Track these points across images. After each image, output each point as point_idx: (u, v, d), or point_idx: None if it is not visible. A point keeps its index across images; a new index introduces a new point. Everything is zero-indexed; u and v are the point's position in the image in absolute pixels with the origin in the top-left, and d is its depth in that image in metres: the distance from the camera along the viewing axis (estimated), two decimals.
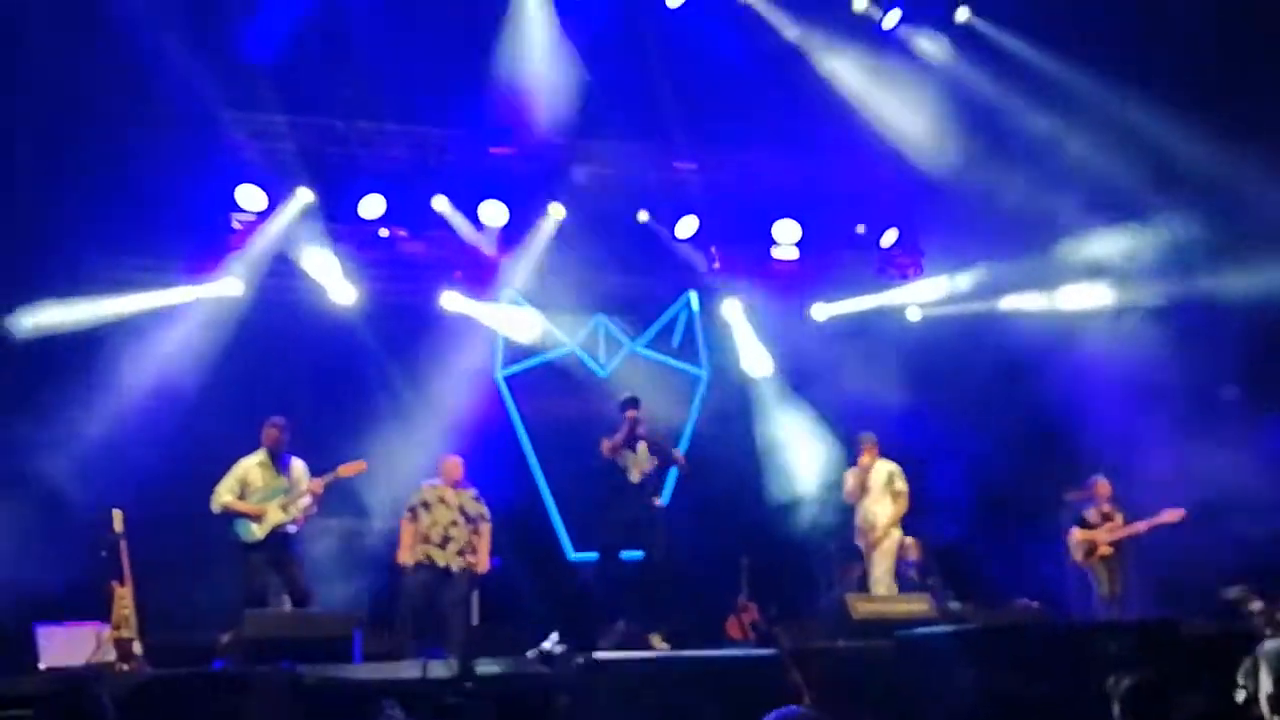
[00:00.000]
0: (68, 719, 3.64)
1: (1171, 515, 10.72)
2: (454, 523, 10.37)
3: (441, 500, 10.44)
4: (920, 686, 7.93)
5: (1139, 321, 11.79)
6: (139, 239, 11.44)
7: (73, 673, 8.25)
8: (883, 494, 11.13)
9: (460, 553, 10.30)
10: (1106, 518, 11.15)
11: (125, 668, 8.63)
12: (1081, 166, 11.63)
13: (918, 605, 10.07)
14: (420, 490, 10.50)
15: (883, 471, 11.17)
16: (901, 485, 11.12)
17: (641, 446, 10.42)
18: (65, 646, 9.10)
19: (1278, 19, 10.93)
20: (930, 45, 12.34)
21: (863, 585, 11.53)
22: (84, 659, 8.71)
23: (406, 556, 10.25)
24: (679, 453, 10.83)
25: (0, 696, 6.56)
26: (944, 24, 12.43)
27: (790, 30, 12.27)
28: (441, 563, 10.26)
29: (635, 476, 10.38)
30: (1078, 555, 11.19)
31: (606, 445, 10.36)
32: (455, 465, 10.62)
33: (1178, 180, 11.15)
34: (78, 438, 10.22)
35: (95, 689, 3.59)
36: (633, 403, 10.51)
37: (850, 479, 11.26)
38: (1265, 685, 4.74)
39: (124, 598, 8.92)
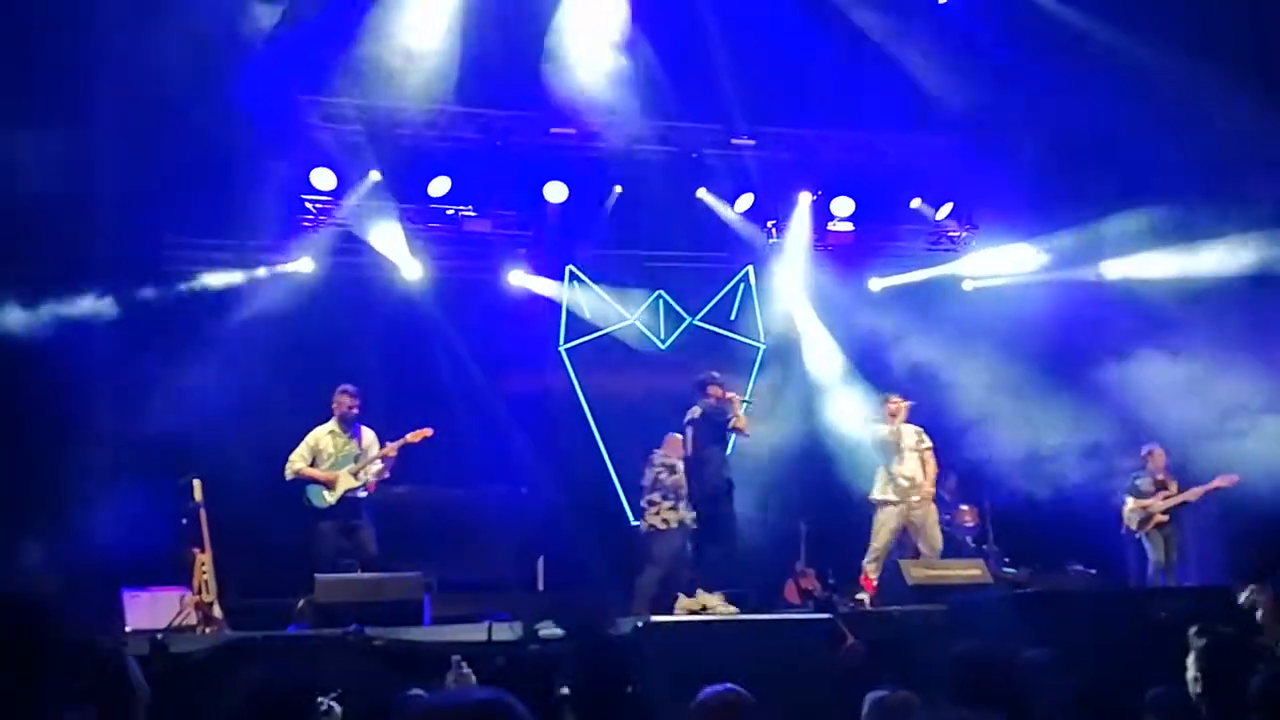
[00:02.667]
0: (96, 686, 3.67)
1: (1224, 480, 10.75)
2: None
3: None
4: (972, 649, 8.09)
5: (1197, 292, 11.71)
6: (217, 221, 11.86)
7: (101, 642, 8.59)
8: (914, 453, 10.96)
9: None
10: (1160, 486, 11.20)
11: (206, 630, 9.04)
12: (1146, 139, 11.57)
13: (972, 570, 10.23)
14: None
15: (910, 432, 11.02)
16: (929, 444, 11.01)
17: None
18: (150, 610, 9.50)
19: None
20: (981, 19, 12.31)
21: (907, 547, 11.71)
22: (167, 623, 9.10)
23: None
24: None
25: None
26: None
27: (845, 4, 12.31)
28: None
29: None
30: (1132, 524, 11.25)
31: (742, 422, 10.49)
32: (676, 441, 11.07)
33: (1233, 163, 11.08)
34: (162, 410, 10.60)
35: (121, 656, 3.76)
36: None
37: (886, 434, 11.02)
38: None
39: (204, 563, 9.31)
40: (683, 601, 9.76)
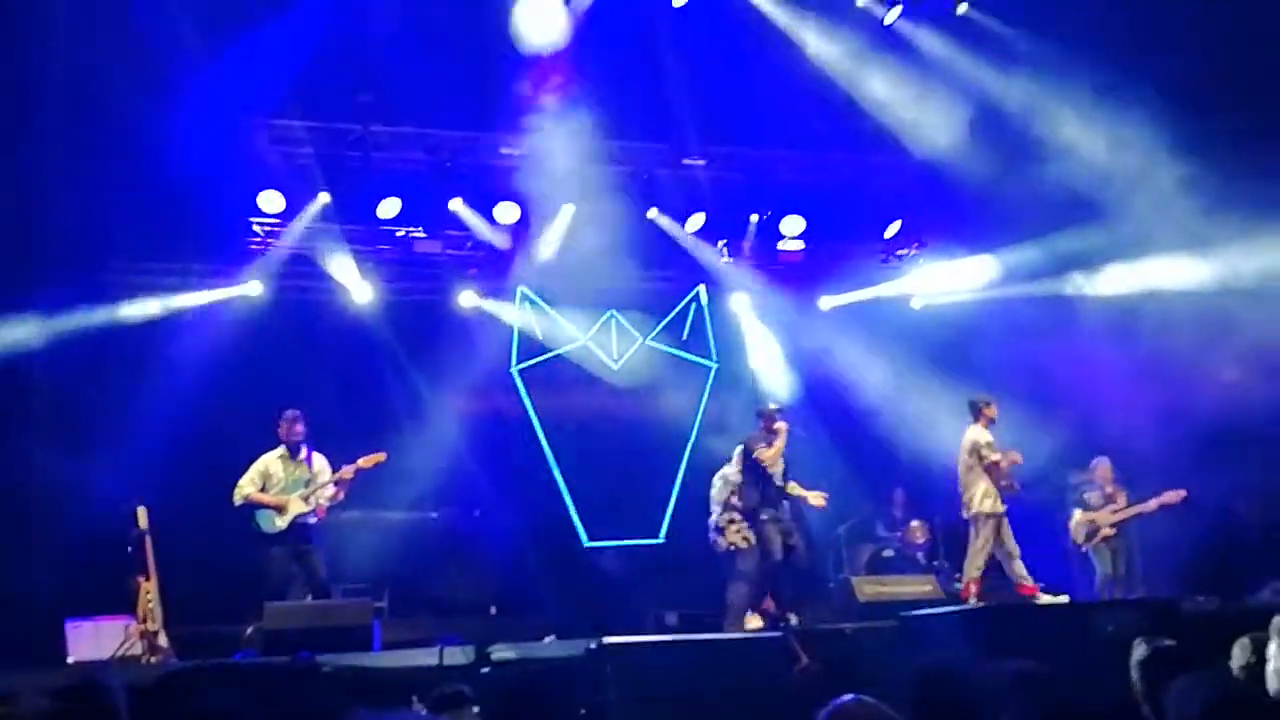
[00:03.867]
0: (84, 713, 3.67)
1: (1172, 496, 10.87)
2: None
3: None
4: (924, 666, 8.12)
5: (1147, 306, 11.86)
6: (162, 243, 11.75)
7: (90, 667, 8.49)
8: (969, 465, 10.31)
9: None
10: (1109, 499, 11.31)
11: (151, 659, 8.91)
12: (1082, 159, 11.73)
13: (922, 586, 10.30)
14: None
15: (968, 439, 10.40)
16: (988, 454, 10.17)
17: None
18: (93, 640, 9.39)
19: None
20: (930, 39, 12.46)
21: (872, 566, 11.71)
22: (111, 652, 8.96)
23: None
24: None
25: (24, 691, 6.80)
26: (944, 18, 12.57)
27: (793, 26, 12.41)
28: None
29: (779, 480, 10.63)
30: (1079, 537, 11.35)
31: (768, 455, 10.53)
32: None
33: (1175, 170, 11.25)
34: (103, 437, 10.47)
35: (110, 682, 3.73)
36: (780, 412, 10.78)
37: (989, 440, 10.32)
38: (1276, 660, 4.78)
39: (149, 592, 9.18)
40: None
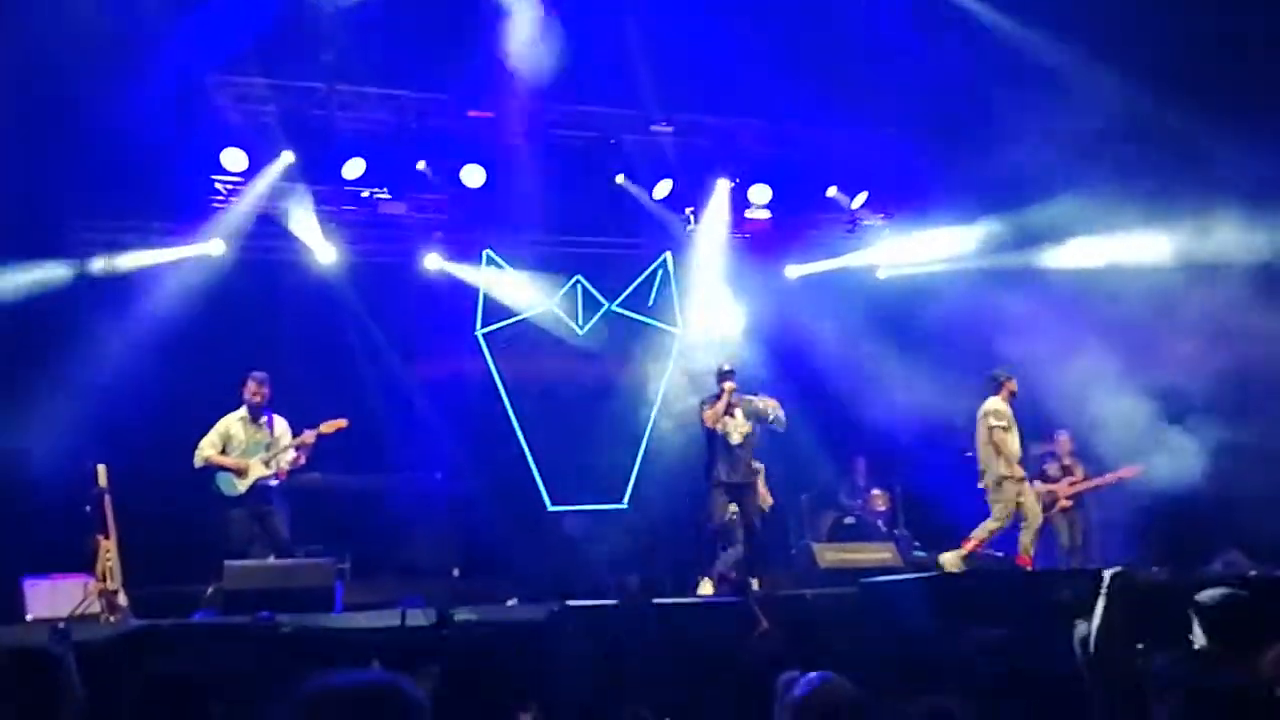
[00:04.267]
0: (32, 680, 3.62)
1: (1129, 471, 11.01)
2: None
3: None
4: (882, 632, 8.22)
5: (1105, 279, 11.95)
6: (123, 201, 11.60)
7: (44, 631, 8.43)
8: (983, 435, 10.42)
9: None
10: (1067, 471, 11.45)
11: (110, 618, 8.86)
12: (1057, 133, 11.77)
13: (882, 554, 10.39)
14: None
15: (983, 410, 10.48)
16: (994, 422, 10.32)
17: (738, 412, 10.70)
18: (51, 599, 9.31)
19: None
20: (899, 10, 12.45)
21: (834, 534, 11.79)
22: (70, 611, 8.91)
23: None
24: (773, 405, 10.92)
25: None
26: None
27: None
28: None
29: (736, 439, 10.67)
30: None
31: (709, 415, 10.65)
32: None
33: (1151, 147, 11.32)
34: (63, 395, 10.37)
35: (57, 650, 3.69)
36: (729, 374, 10.83)
37: (1007, 410, 10.44)
38: (1199, 638, 4.84)
39: (108, 550, 9.11)
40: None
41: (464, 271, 13.38)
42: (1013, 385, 10.47)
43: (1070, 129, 11.13)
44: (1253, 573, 9.78)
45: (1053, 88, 11.48)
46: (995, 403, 10.40)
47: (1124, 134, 11.21)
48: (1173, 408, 11.05)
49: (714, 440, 10.63)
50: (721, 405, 10.62)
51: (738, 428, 10.62)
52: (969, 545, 10.05)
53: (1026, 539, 10.17)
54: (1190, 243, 11.54)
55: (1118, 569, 5.20)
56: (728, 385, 10.70)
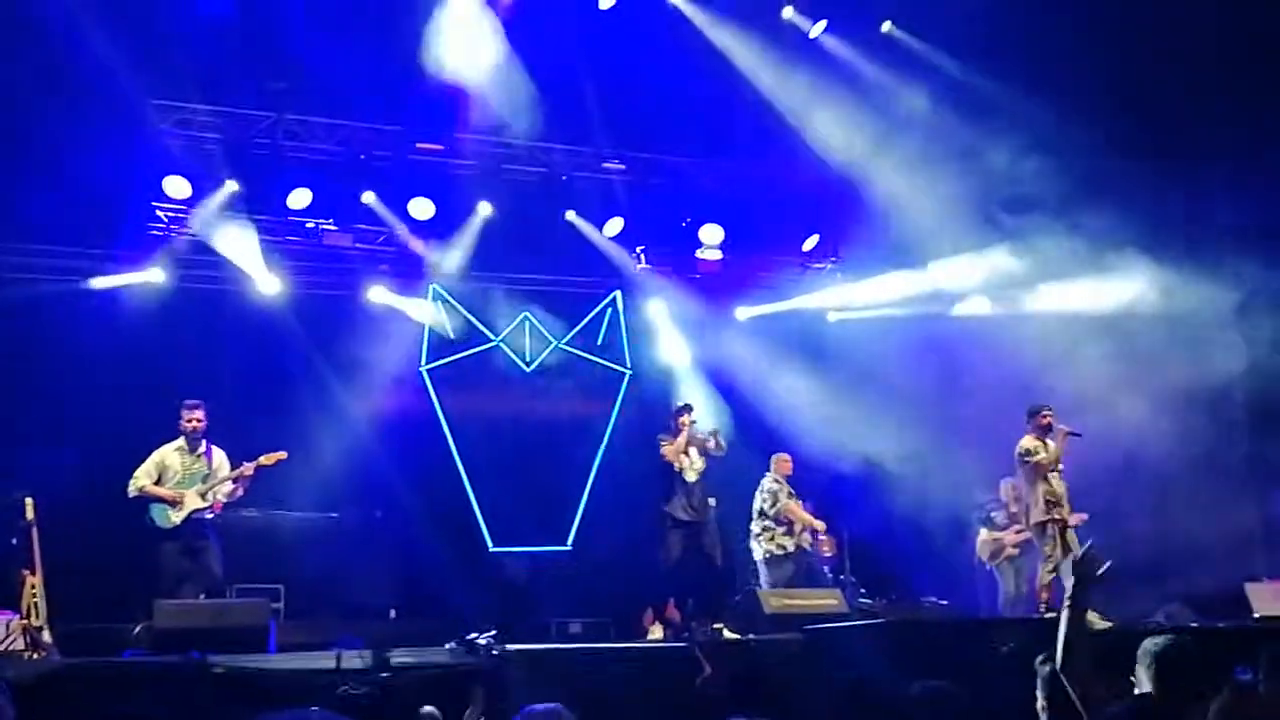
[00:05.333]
0: None
1: (1074, 518, 11.00)
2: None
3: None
4: (827, 679, 8.12)
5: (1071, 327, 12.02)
6: (62, 228, 11.35)
7: None
8: (1023, 474, 10.15)
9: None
10: (1013, 519, 11.43)
11: (34, 656, 8.55)
12: (1002, 175, 11.88)
13: (828, 600, 10.29)
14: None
15: (1018, 448, 10.17)
16: (1029, 455, 10.01)
17: (694, 449, 10.64)
18: None
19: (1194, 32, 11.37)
20: (854, 56, 12.55)
21: None
22: None
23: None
24: (717, 439, 10.87)
25: None
26: (868, 35, 12.66)
27: (719, 36, 12.41)
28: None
29: (691, 476, 10.64)
30: (984, 555, 11.47)
31: (669, 449, 10.61)
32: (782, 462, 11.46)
33: (1097, 189, 11.46)
34: None
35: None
36: (687, 409, 10.84)
37: (1045, 453, 10.10)
38: (1144, 683, 4.83)
39: (34, 586, 8.81)
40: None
41: (410, 305, 13.18)
42: (1044, 419, 10.11)
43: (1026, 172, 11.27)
44: (1194, 624, 9.83)
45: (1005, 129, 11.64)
46: (1027, 439, 10.16)
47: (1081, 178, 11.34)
48: (1111, 459, 11.08)
49: (670, 477, 10.54)
50: (682, 440, 10.55)
51: (693, 464, 10.56)
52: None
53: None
54: (1135, 290, 11.69)
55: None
56: (685, 420, 10.64)
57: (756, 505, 11.37)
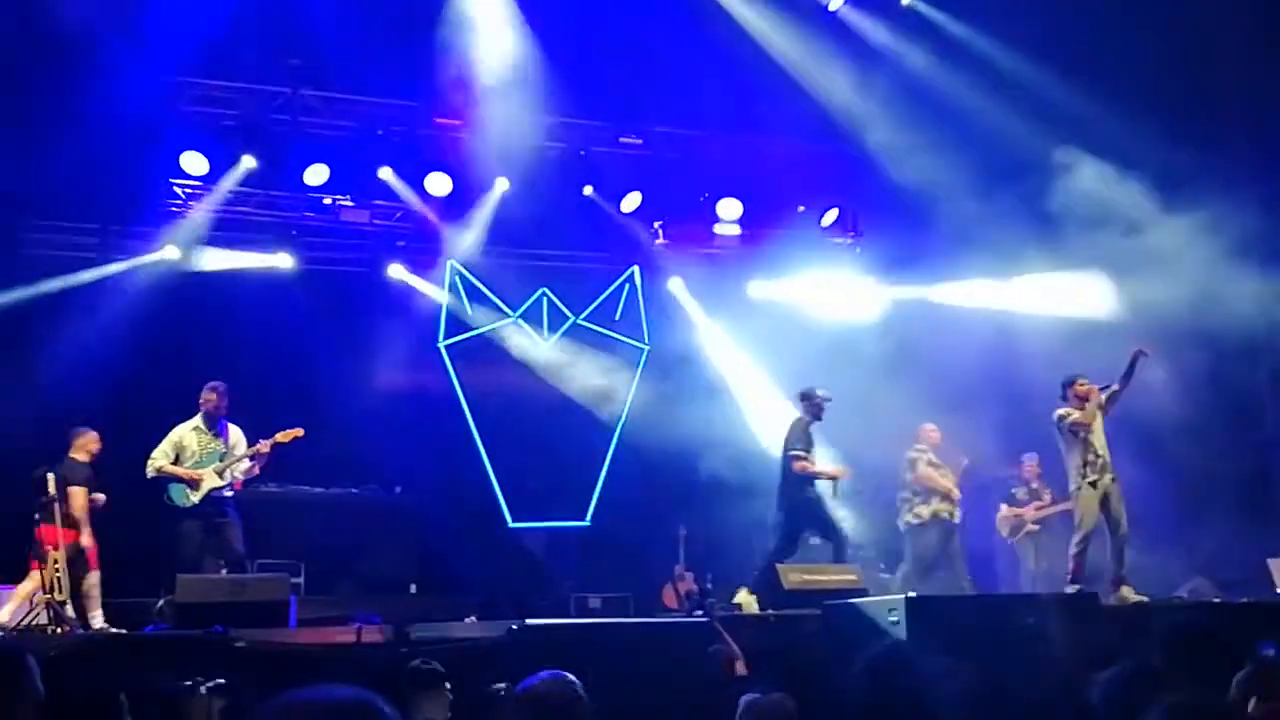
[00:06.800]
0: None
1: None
2: None
3: None
4: (845, 655, 8.10)
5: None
6: (79, 204, 11.38)
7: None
8: (1102, 431, 9.93)
9: None
10: (1034, 495, 11.39)
11: (57, 630, 8.61)
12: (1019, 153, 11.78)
13: (847, 576, 10.25)
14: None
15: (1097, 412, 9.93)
16: (1065, 418, 9.88)
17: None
18: None
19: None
20: (874, 28, 12.45)
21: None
22: (16, 621, 8.66)
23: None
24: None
25: None
26: (889, 7, 12.55)
27: (737, 9, 12.32)
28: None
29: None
30: (1004, 531, 11.44)
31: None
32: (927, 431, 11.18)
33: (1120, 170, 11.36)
34: (13, 401, 10.10)
35: (22, 655, 3.55)
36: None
37: (1079, 417, 9.93)
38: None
39: (57, 561, 8.89)
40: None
41: (427, 282, 13.17)
42: (1081, 389, 9.91)
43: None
44: (1217, 600, 9.78)
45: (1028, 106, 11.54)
46: (1063, 407, 10.06)
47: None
48: (1143, 432, 10.99)
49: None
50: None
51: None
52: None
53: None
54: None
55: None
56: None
57: (904, 475, 11.23)
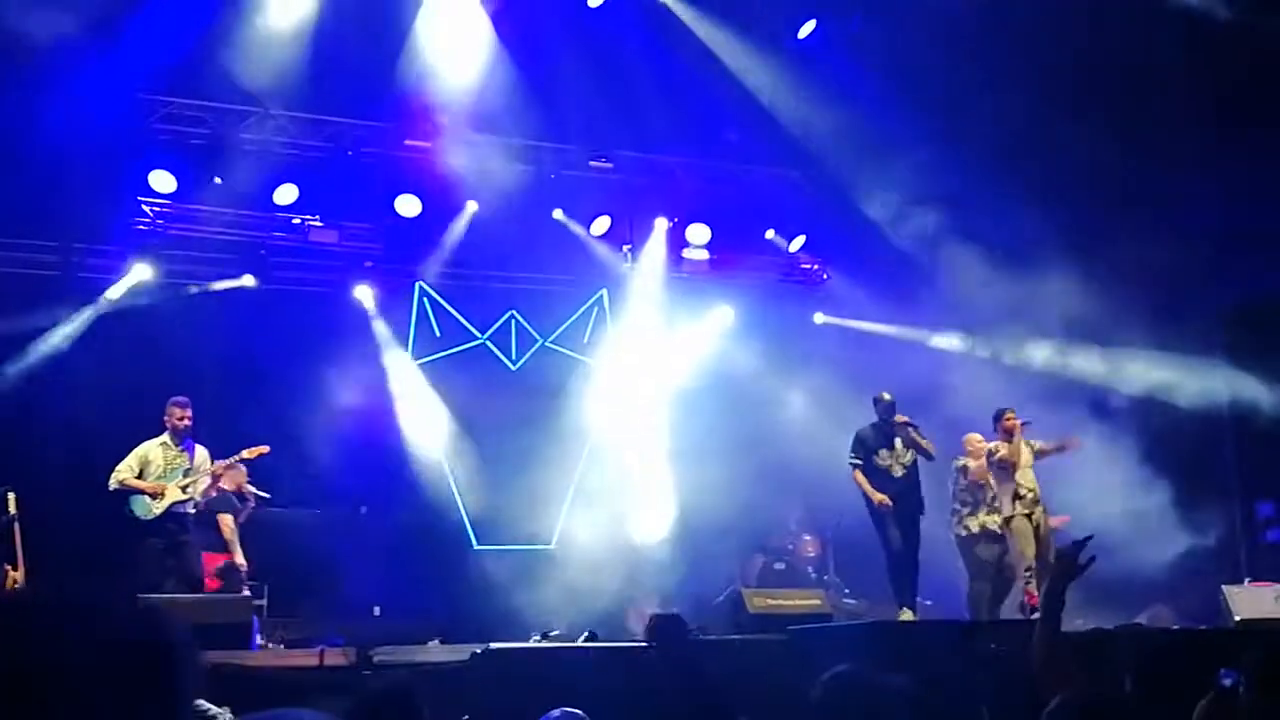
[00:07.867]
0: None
1: (1057, 521, 11.02)
2: None
3: None
4: (809, 680, 8.11)
5: None
6: (43, 221, 11.29)
7: None
8: (1029, 468, 10.33)
9: None
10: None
11: None
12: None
13: (812, 601, 10.30)
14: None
15: (1026, 447, 10.40)
16: (993, 454, 10.41)
17: (898, 442, 10.49)
18: None
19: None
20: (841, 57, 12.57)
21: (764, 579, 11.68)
22: None
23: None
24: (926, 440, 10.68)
25: None
26: (855, 37, 12.68)
27: (707, 34, 12.41)
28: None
29: (898, 472, 10.47)
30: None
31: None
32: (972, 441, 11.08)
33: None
34: None
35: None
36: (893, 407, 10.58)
37: (1006, 453, 10.33)
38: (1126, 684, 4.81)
39: (16, 581, 8.80)
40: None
41: (395, 303, 13.14)
42: (1008, 423, 10.31)
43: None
44: (1176, 627, 9.87)
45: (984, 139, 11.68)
46: (991, 444, 10.51)
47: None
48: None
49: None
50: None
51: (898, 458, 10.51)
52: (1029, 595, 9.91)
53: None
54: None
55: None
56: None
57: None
